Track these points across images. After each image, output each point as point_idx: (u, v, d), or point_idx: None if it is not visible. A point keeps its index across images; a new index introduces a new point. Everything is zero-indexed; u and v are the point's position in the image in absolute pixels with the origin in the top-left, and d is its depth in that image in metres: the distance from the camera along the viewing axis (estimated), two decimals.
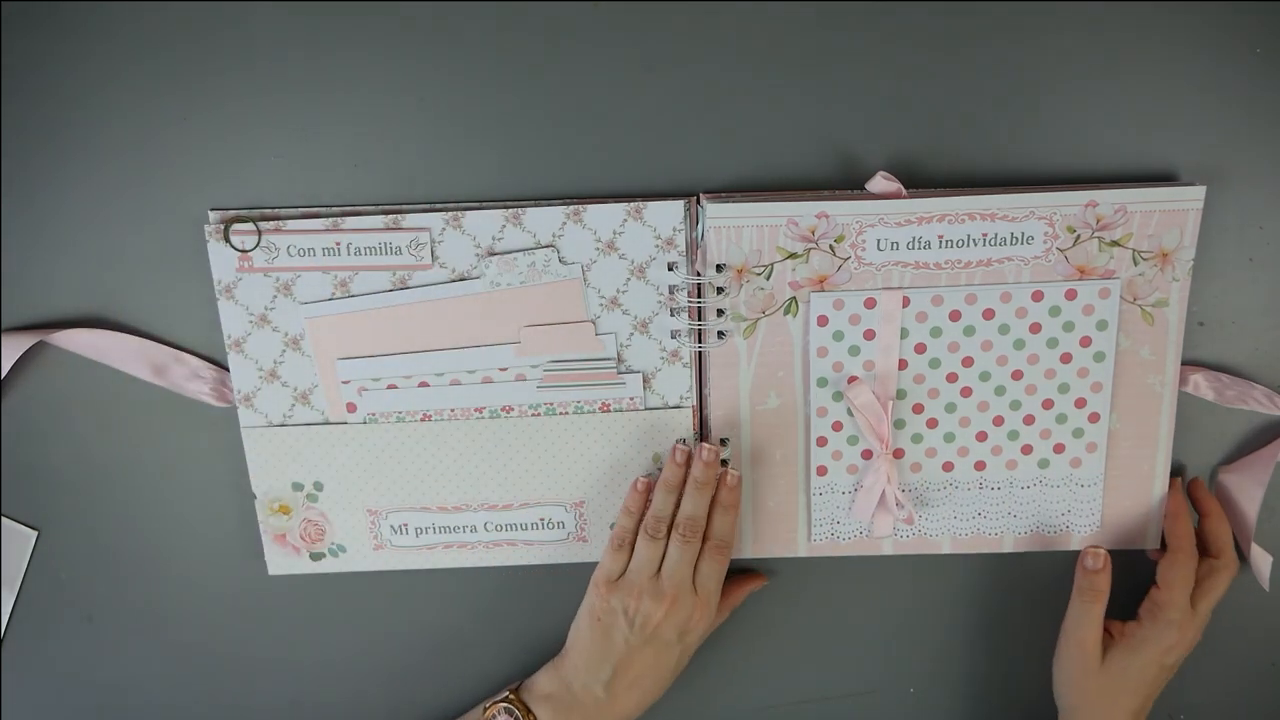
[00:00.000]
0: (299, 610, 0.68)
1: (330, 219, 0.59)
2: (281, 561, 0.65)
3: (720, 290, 0.59)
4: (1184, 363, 0.61)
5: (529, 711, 0.60)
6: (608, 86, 0.58)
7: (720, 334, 0.60)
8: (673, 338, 0.60)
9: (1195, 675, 0.67)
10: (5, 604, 0.67)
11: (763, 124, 0.59)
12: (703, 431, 0.62)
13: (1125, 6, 0.57)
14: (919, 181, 0.59)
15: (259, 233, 0.59)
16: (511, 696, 0.61)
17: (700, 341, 0.60)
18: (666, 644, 0.59)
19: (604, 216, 0.58)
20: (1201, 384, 0.62)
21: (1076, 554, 0.62)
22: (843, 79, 0.58)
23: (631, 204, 0.58)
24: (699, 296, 0.59)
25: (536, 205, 0.59)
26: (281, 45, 0.58)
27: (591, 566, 0.62)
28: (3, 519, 0.66)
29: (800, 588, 0.67)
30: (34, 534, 0.66)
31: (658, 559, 0.59)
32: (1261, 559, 0.63)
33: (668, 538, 0.59)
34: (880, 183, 0.56)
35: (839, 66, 0.58)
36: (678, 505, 0.60)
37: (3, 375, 0.62)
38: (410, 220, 0.59)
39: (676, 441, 0.61)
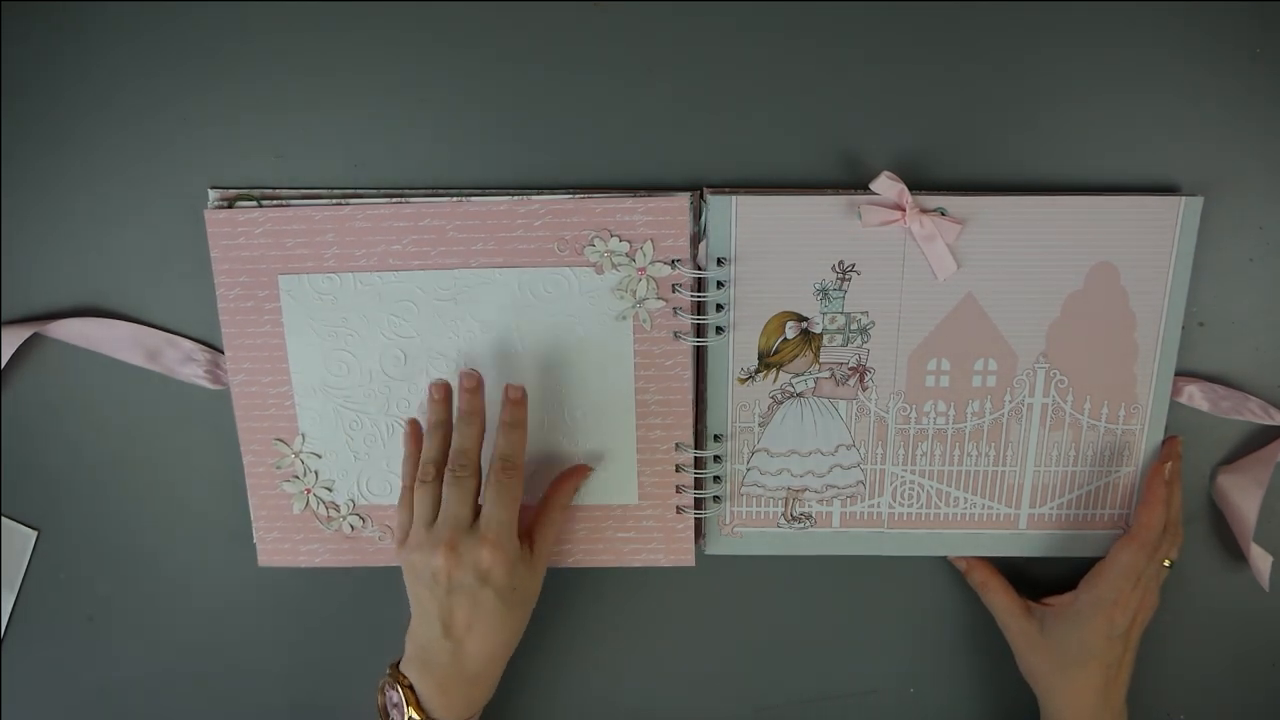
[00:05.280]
0: (299, 610, 0.68)
1: (334, 200, 0.59)
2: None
3: (720, 285, 0.59)
4: (1179, 373, 0.61)
5: (403, 676, 0.58)
6: (614, 81, 0.58)
7: (719, 329, 0.60)
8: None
9: (1195, 675, 0.67)
10: (5, 604, 0.67)
11: (769, 121, 0.59)
12: (699, 426, 0.62)
13: (1125, 8, 0.57)
14: (923, 184, 0.59)
15: (261, 209, 0.59)
16: (390, 669, 0.59)
17: (700, 336, 0.60)
18: (474, 590, 0.56)
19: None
20: (1196, 395, 0.62)
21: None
22: (849, 80, 0.58)
23: (636, 195, 0.58)
24: (699, 290, 0.59)
25: (541, 194, 0.59)
26: (282, 33, 0.58)
27: None
28: (3, 519, 0.66)
29: (799, 587, 0.67)
30: (34, 534, 0.66)
31: (432, 506, 0.57)
32: (1261, 559, 0.63)
33: (441, 479, 0.57)
34: (884, 183, 0.57)
35: (846, 67, 0.58)
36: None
37: (1, 366, 0.62)
38: (414, 201, 0.59)
39: (434, 381, 0.59)
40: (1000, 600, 0.63)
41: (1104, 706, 0.60)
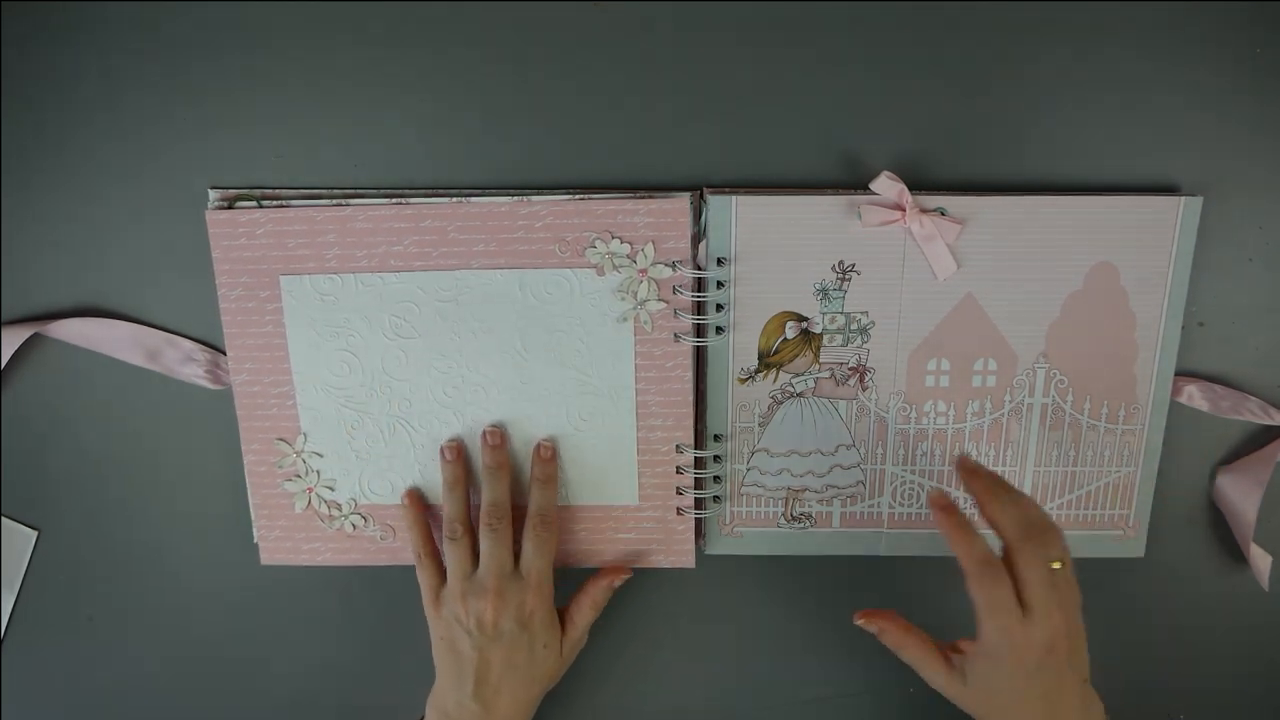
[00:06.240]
0: (300, 609, 0.68)
1: (334, 200, 0.59)
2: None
3: (720, 285, 0.59)
4: (1179, 373, 0.61)
5: None
6: (615, 81, 0.58)
7: (719, 329, 0.60)
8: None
9: (1195, 675, 0.67)
10: (5, 604, 0.67)
11: (769, 121, 0.59)
12: (699, 426, 0.62)
13: (1125, 8, 0.57)
14: (923, 184, 0.59)
15: (262, 209, 0.59)
16: None
17: (700, 336, 0.60)
18: (513, 637, 0.58)
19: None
20: (1195, 395, 0.62)
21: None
22: (850, 80, 0.58)
23: (637, 196, 0.58)
24: (699, 290, 0.59)
25: (541, 194, 0.59)
26: (282, 33, 0.58)
27: None
28: (3, 519, 0.66)
29: (799, 587, 0.67)
30: (34, 534, 0.66)
31: (467, 558, 0.59)
32: (1261, 559, 0.63)
33: (472, 534, 0.59)
34: (884, 183, 0.57)
35: (846, 67, 0.58)
36: (467, 502, 0.61)
37: (1, 366, 0.62)
38: (415, 202, 0.59)
39: (445, 443, 0.62)
40: (920, 657, 0.57)
41: None
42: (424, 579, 0.61)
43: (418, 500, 0.63)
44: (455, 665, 0.59)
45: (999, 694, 0.54)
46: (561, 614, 0.62)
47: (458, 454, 0.62)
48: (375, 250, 0.59)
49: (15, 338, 0.61)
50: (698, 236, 0.59)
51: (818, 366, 0.61)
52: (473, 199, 0.59)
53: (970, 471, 0.55)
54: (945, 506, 0.54)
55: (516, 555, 0.59)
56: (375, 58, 0.58)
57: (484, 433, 0.62)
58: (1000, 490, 0.54)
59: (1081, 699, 0.54)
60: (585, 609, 0.62)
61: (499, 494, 0.60)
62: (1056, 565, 0.52)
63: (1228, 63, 0.58)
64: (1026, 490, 0.63)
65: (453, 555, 0.59)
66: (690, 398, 0.61)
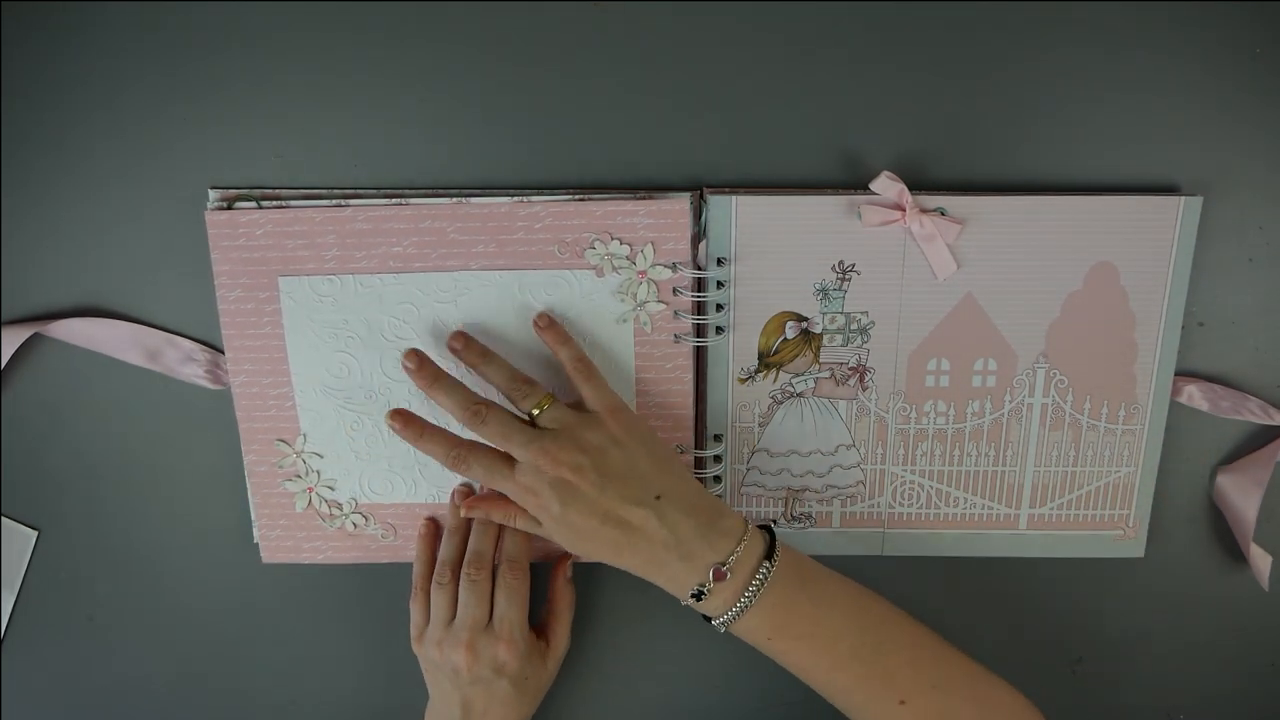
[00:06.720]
0: (300, 609, 0.68)
1: (334, 200, 0.59)
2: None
3: (720, 285, 0.59)
4: (1179, 373, 0.61)
5: None
6: (614, 81, 0.58)
7: (719, 329, 0.60)
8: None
9: (1195, 675, 0.67)
10: (5, 604, 0.67)
11: (769, 121, 0.59)
12: (698, 426, 0.62)
13: (1126, 8, 0.57)
14: (923, 184, 0.59)
15: (261, 210, 0.59)
16: None
17: (700, 336, 0.60)
18: (489, 681, 0.59)
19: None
20: (1195, 395, 0.62)
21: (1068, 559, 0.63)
22: (849, 80, 0.58)
23: (637, 197, 0.58)
24: (699, 291, 0.59)
25: (541, 195, 0.59)
26: (281, 33, 0.58)
27: None
28: (3, 519, 0.66)
29: None
30: (34, 534, 0.66)
31: (450, 606, 0.59)
32: (1261, 559, 0.63)
33: (458, 582, 0.60)
34: (884, 183, 0.57)
35: (847, 67, 0.58)
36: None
37: (1, 366, 0.62)
38: (414, 203, 0.59)
39: (456, 486, 0.63)
40: (530, 524, 0.58)
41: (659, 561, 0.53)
42: (413, 615, 0.61)
43: (431, 534, 0.63)
44: (442, 695, 0.61)
45: (560, 534, 0.55)
46: (541, 630, 0.62)
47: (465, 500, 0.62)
48: (374, 251, 0.59)
49: (15, 338, 0.61)
50: (698, 237, 0.59)
51: (818, 366, 0.61)
52: (472, 199, 0.59)
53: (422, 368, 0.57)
54: (404, 422, 0.56)
55: None
56: (375, 57, 0.58)
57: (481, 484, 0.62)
58: (443, 385, 0.56)
59: (663, 517, 0.53)
60: (562, 614, 0.63)
61: (484, 545, 0.60)
62: (536, 410, 0.55)
63: (1228, 63, 0.58)
64: (1026, 490, 0.63)
65: (437, 601, 0.60)
66: (690, 398, 0.61)
